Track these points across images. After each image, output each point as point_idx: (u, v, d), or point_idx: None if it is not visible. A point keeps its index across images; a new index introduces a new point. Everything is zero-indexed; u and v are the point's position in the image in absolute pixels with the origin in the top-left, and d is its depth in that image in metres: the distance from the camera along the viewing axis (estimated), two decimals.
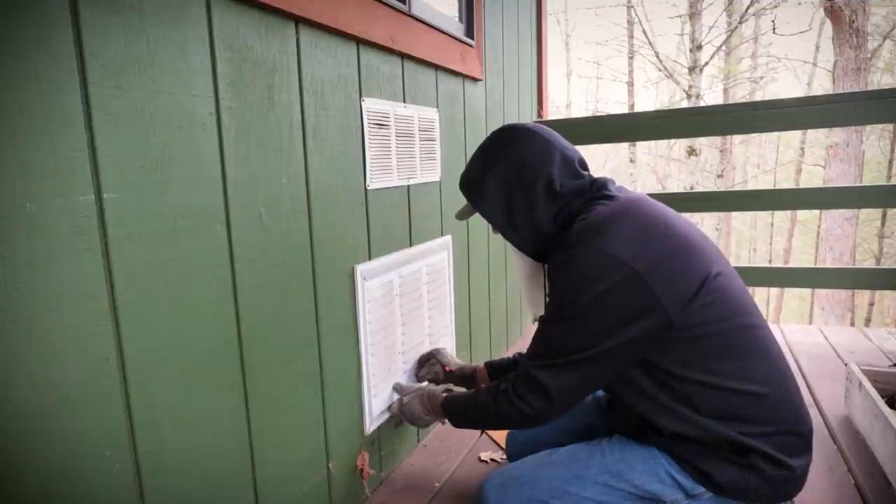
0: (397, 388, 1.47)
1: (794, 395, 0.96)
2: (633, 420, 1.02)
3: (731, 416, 0.92)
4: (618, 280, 0.89)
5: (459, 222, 1.97)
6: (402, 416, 1.39)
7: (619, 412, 1.08)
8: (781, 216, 13.26)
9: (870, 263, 9.75)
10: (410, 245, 1.62)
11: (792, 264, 9.81)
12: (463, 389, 1.40)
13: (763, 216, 13.72)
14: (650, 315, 0.89)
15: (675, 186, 12.47)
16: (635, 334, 0.90)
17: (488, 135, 1.15)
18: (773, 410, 0.93)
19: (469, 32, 2.01)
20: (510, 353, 2.51)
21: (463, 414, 1.18)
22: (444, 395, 1.27)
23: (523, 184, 1.05)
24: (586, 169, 1.09)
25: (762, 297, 12.28)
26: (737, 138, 10.11)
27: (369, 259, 1.42)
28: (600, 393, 1.28)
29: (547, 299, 1.06)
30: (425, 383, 1.51)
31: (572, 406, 1.00)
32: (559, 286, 0.97)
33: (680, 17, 8.89)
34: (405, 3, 1.55)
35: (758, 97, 10.54)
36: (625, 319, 0.90)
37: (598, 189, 1.04)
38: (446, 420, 1.25)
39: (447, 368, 1.55)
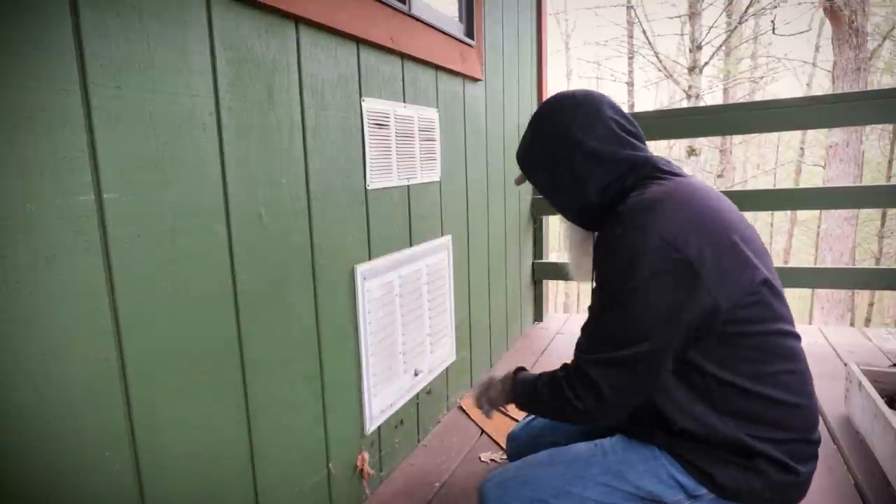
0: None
1: (811, 406, 0.94)
2: (642, 411, 1.00)
3: (747, 417, 0.90)
4: (667, 266, 0.86)
5: (459, 222, 1.97)
6: (484, 388, 1.27)
7: None
8: (781, 216, 13.26)
9: (870, 263, 9.74)
10: (410, 245, 1.62)
11: (792, 264, 9.80)
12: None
13: (763, 216, 13.71)
14: (697, 304, 0.86)
15: None
16: (683, 323, 0.87)
17: (541, 106, 1.12)
18: (788, 417, 0.91)
19: (469, 32, 2.01)
20: (511, 352, 2.51)
21: (527, 404, 1.13)
22: (512, 377, 1.19)
23: (567, 152, 1.02)
24: (643, 142, 1.04)
25: None
26: (737, 138, 10.11)
27: (369, 259, 1.42)
28: None
29: (594, 284, 1.02)
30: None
31: (629, 405, 0.96)
32: (606, 269, 0.95)
33: (680, 17, 8.89)
34: (405, 3, 1.55)
35: (758, 97, 10.54)
36: (673, 307, 0.87)
37: (655, 167, 1.00)
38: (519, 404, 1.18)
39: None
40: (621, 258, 0.90)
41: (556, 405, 1.01)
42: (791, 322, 0.96)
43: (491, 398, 1.23)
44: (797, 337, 0.96)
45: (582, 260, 1.16)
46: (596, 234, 1.07)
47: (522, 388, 1.13)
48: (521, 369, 1.20)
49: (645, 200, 0.93)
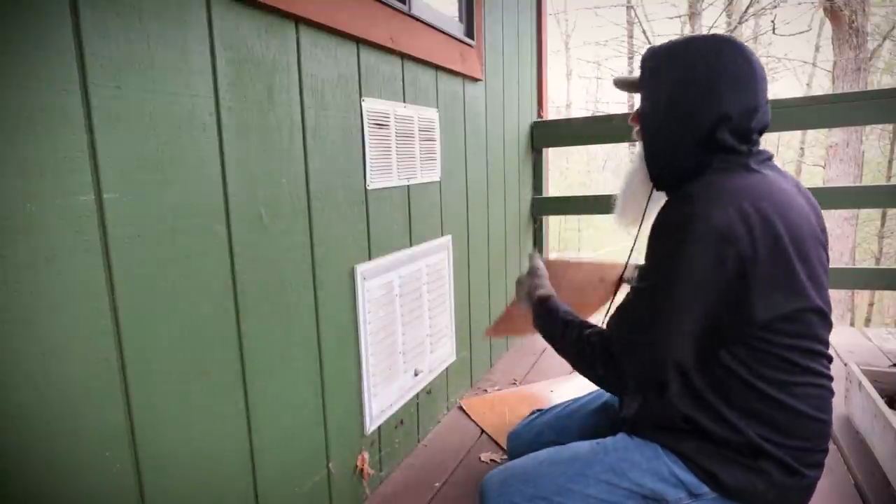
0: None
1: (828, 422, 0.94)
2: (652, 400, 1.00)
3: (760, 418, 0.89)
4: (719, 259, 0.82)
5: (459, 222, 1.97)
6: (525, 280, 1.24)
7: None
8: None
9: (870, 263, 9.72)
10: (410, 245, 1.62)
11: None
12: None
13: None
14: (738, 307, 0.84)
15: None
16: (717, 317, 0.85)
17: (706, 33, 0.99)
18: (802, 428, 0.91)
19: (469, 32, 2.01)
20: (511, 352, 2.51)
21: (549, 327, 1.11)
22: (547, 295, 1.15)
23: (695, 105, 0.91)
24: (761, 134, 0.96)
25: None
26: None
27: (369, 259, 1.42)
28: (608, 397, 1.27)
29: (640, 262, 0.97)
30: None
31: (646, 386, 0.97)
32: (658, 242, 0.90)
33: (680, 17, 8.90)
34: (405, 3, 1.55)
35: None
36: (712, 302, 0.84)
37: (750, 156, 0.93)
38: (533, 318, 1.16)
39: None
40: (676, 239, 0.86)
41: (580, 364, 1.02)
42: (827, 345, 0.93)
43: (521, 294, 1.22)
44: (829, 359, 0.94)
45: (626, 202, 1.10)
46: (653, 188, 1.02)
47: (548, 319, 1.11)
48: (549, 297, 1.15)
49: (722, 188, 0.87)
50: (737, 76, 0.90)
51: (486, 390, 2.12)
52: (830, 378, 0.95)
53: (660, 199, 1.03)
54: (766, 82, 0.93)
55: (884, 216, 9.55)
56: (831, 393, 0.95)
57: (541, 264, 1.25)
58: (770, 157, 0.96)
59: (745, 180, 0.89)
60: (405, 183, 1.57)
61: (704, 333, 0.87)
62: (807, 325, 0.89)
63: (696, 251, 0.83)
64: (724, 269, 0.82)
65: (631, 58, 10.17)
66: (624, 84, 1.08)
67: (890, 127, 9.10)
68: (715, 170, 0.92)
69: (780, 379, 0.89)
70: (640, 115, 1.01)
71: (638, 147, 1.04)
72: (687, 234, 0.84)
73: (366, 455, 1.42)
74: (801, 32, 10.77)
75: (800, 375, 0.90)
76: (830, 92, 7.64)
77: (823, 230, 0.98)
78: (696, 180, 0.91)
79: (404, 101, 1.55)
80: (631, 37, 9.78)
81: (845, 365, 1.90)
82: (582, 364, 1.02)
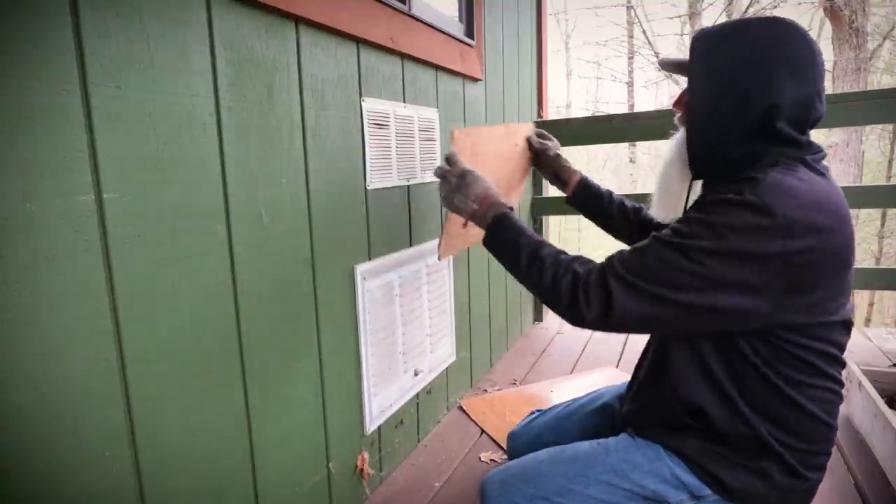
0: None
1: (835, 428, 0.94)
2: (662, 388, 0.99)
3: (772, 417, 0.89)
4: (768, 251, 0.79)
5: None
6: (443, 179, 1.13)
7: (649, 373, 1.04)
8: None
9: (870, 263, 9.72)
10: (410, 245, 1.62)
11: None
12: None
13: None
14: (758, 299, 0.81)
15: None
16: (730, 307, 0.81)
17: (765, 17, 0.94)
18: (812, 431, 0.91)
19: (469, 32, 2.01)
20: (511, 352, 2.51)
21: (511, 246, 0.99)
22: (506, 210, 1.05)
23: (751, 91, 0.86)
24: (812, 127, 0.92)
25: None
26: None
27: (369, 259, 1.42)
28: (608, 397, 1.27)
29: (676, 220, 0.91)
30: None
31: (623, 332, 0.91)
32: (707, 211, 0.84)
33: (680, 17, 8.90)
34: (405, 3, 1.55)
35: None
36: (736, 286, 0.81)
37: (808, 151, 0.89)
38: (484, 235, 1.04)
39: (553, 153, 1.40)
40: (731, 216, 0.81)
41: (546, 284, 0.92)
42: (844, 351, 0.93)
43: (455, 202, 1.10)
44: (843, 365, 0.94)
45: (666, 195, 1.06)
46: (692, 178, 0.97)
47: (511, 231, 1.00)
48: (509, 212, 1.05)
49: (787, 183, 0.83)
50: (798, 62, 0.85)
51: (486, 390, 2.12)
52: (842, 384, 0.94)
53: (699, 188, 1.00)
54: (825, 71, 0.89)
55: (884, 216, 9.55)
56: (841, 399, 0.95)
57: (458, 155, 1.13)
58: (825, 156, 0.92)
59: (813, 179, 0.86)
60: (405, 183, 1.57)
61: (721, 315, 0.83)
62: (829, 331, 0.88)
63: (749, 232, 0.80)
64: (769, 262, 0.80)
65: (631, 58, 10.18)
66: (671, 66, 1.03)
67: (890, 127, 9.09)
68: (777, 163, 0.87)
69: (797, 379, 0.88)
70: (685, 100, 0.96)
71: (678, 134, 1.00)
72: (746, 216, 0.81)
73: (366, 455, 1.42)
74: None
75: (817, 378, 0.89)
76: (830, 92, 7.63)
77: None
78: (758, 171, 0.86)
79: (404, 101, 1.55)
80: (631, 37, 9.79)
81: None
82: (553, 291, 0.90)
